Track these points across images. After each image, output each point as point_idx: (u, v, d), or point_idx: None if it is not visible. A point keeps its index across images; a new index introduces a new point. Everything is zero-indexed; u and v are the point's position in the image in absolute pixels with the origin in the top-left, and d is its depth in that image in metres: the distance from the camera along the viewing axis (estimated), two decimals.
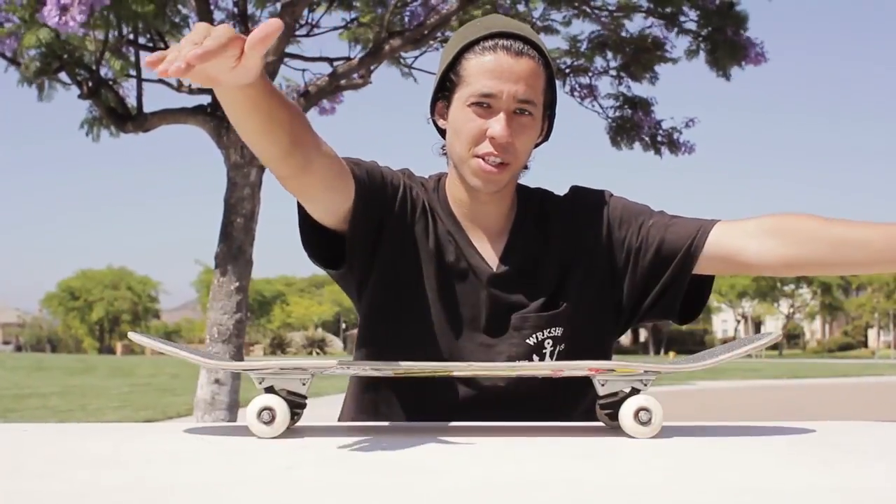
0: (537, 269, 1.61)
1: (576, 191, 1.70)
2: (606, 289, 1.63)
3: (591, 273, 1.62)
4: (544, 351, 1.58)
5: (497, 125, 1.50)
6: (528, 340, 1.57)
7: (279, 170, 1.42)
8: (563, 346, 1.59)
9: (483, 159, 1.52)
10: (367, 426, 1.49)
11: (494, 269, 1.60)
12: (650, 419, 1.18)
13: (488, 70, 1.51)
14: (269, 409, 1.19)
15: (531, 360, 1.57)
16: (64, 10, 4.85)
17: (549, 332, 1.58)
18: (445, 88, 1.58)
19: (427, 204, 1.63)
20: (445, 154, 1.63)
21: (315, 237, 1.55)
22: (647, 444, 1.14)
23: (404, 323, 1.59)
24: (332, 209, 1.51)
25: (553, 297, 1.59)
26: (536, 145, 1.60)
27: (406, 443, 1.17)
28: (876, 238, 1.45)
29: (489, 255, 1.62)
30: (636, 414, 1.19)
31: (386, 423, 1.54)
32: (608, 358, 1.68)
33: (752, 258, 1.53)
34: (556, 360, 1.58)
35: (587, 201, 1.67)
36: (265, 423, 1.19)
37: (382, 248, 1.58)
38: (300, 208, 1.52)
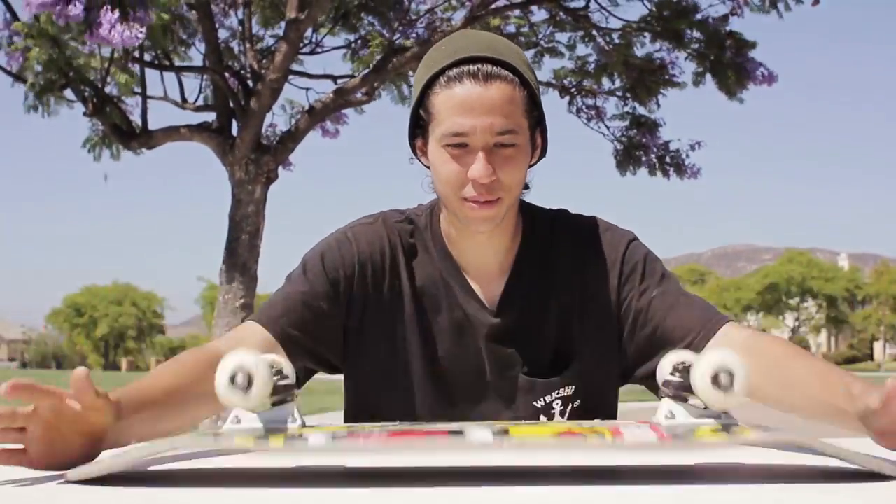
0: (540, 315, 1.49)
1: (598, 225, 1.53)
2: (613, 339, 1.50)
3: (598, 324, 1.49)
4: (553, 412, 1.47)
5: (477, 167, 1.34)
6: (535, 403, 1.47)
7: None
8: (577, 404, 1.48)
9: (471, 201, 1.38)
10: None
11: (493, 319, 1.47)
12: (732, 383, 0.96)
13: (457, 105, 1.34)
14: (247, 372, 0.96)
15: (538, 420, 1.46)
16: (127, 27, 4.92)
17: (559, 394, 1.47)
18: (419, 125, 1.42)
19: (407, 251, 1.50)
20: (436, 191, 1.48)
21: None
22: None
23: (397, 390, 1.48)
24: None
25: (560, 349, 1.48)
26: (534, 163, 1.47)
27: (389, 480, 1.16)
28: (819, 391, 1.24)
29: (489, 298, 1.49)
30: (715, 378, 0.96)
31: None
32: (616, 408, 1.57)
33: None
34: (568, 418, 1.47)
35: (605, 240, 1.51)
36: (241, 388, 0.96)
37: (351, 333, 1.48)
38: None
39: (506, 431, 0.97)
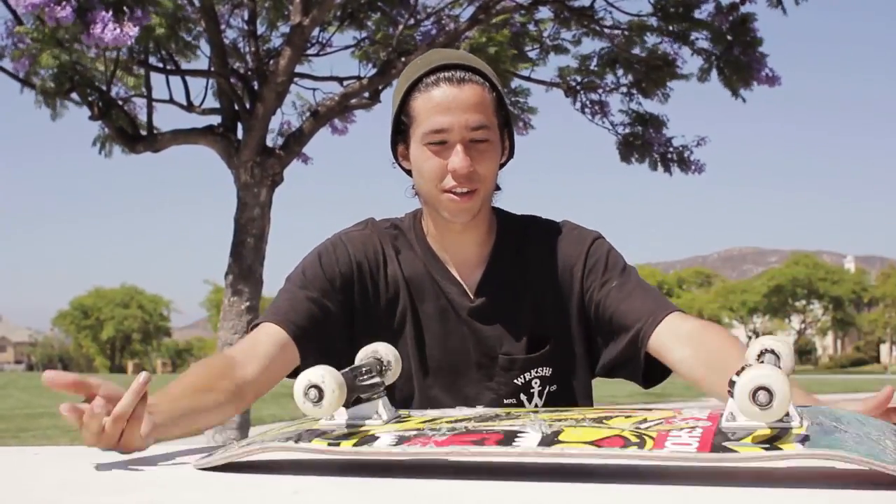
0: (516, 300, 1.62)
1: (565, 226, 1.69)
2: (581, 329, 1.64)
3: (568, 313, 1.64)
4: (532, 391, 1.62)
5: (455, 158, 1.51)
6: (515, 380, 1.61)
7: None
8: (554, 388, 1.63)
9: (451, 192, 1.54)
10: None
11: (472, 303, 1.62)
12: (770, 401, 0.98)
13: (435, 105, 1.52)
14: (316, 386, 1.11)
15: (518, 398, 1.61)
16: (119, 25, 4.88)
17: (537, 372, 1.61)
18: (401, 130, 1.59)
19: (394, 250, 1.64)
20: (417, 195, 1.64)
21: None
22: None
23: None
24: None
25: (536, 332, 1.62)
26: (502, 165, 1.62)
27: (415, 472, 1.15)
28: None
29: (469, 285, 1.63)
30: (753, 394, 0.99)
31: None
32: (591, 397, 1.68)
33: (673, 362, 1.51)
34: (545, 400, 1.61)
35: (572, 239, 1.66)
36: (313, 401, 1.12)
37: (354, 326, 1.61)
38: None
39: (556, 435, 1.04)
